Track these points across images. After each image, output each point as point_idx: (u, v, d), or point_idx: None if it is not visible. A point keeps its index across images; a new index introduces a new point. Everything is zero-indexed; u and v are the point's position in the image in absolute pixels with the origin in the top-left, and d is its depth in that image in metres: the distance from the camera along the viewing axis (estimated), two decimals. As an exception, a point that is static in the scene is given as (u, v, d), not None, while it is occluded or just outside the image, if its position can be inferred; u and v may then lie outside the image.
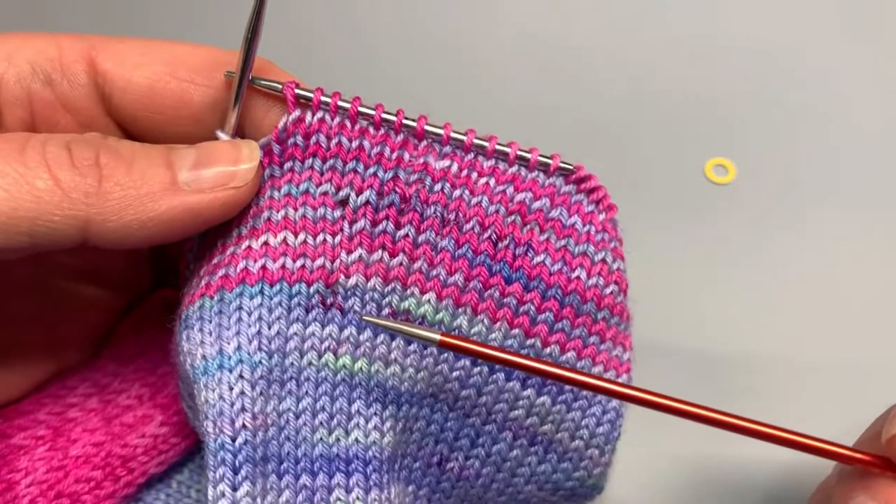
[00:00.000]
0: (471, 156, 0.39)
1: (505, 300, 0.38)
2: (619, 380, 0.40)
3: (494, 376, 0.38)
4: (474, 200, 0.38)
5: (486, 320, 0.38)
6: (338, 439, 0.35)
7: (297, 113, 0.37)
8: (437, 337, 0.35)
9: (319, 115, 0.37)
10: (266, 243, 0.36)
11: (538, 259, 0.38)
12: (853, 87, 0.80)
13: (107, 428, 0.41)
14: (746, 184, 0.79)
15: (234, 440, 0.33)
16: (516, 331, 0.38)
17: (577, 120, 0.80)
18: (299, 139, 0.37)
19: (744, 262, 0.76)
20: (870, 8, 0.80)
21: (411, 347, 0.37)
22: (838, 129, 0.80)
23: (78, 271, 0.43)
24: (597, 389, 0.34)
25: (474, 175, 0.38)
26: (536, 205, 0.39)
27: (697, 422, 0.33)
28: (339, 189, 0.37)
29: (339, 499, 0.34)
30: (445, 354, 0.38)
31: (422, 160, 0.38)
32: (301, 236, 0.36)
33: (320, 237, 0.37)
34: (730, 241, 0.77)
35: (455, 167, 0.38)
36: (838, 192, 0.78)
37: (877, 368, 0.68)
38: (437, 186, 0.38)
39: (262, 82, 0.37)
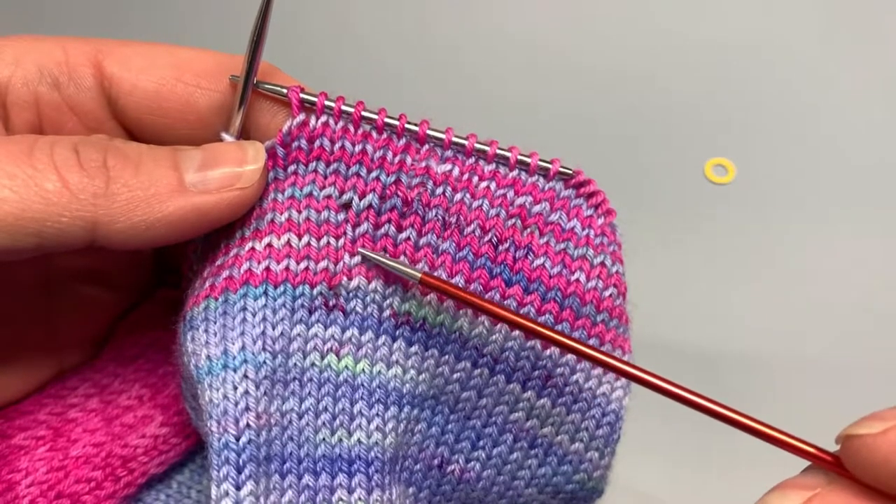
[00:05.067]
0: (472, 160, 0.39)
1: (505, 302, 0.38)
2: (617, 384, 0.40)
3: (495, 378, 0.38)
4: (475, 204, 0.38)
5: (486, 322, 0.38)
6: (340, 440, 0.36)
7: (301, 117, 0.37)
8: (419, 274, 0.36)
9: (323, 119, 0.37)
10: (270, 245, 0.36)
11: (538, 262, 0.39)
12: (853, 88, 0.80)
13: (107, 428, 0.41)
14: (746, 184, 0.79)
15: (238, 439, 0.33)
16: (517, 332, 0.38)
17: (577, 121, 0.81)
18: (303, 143, 0.37)
19: (743, 261, 0.77)
20: (869, 9, 0.81)
21: (413, 349, 0.37)
22: (838, 129, 0.80)
23: (79, 272, 0.43)
24: (579, 353, 0.34)
25: (475, 179, 0.39)
26: (536, 208, 0.39)
27: (667, 396, 0.32)
28: (342, 192, 0.38)
29: (342, 499, 0.35)
30: (447, 356, 0.38)
31: (424, 164, 0.38)
32: (304, 238, 0.37)
33: (323, 240, 0.37)
34: (729, 241, 0.78)
35: (456, 171, 0.38)
36: (838, 191, 0.78)
37: (876, 368, 0.68)
38: (439, 190, 0.38)
39: (267, 86, 0.37)
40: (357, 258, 0.37)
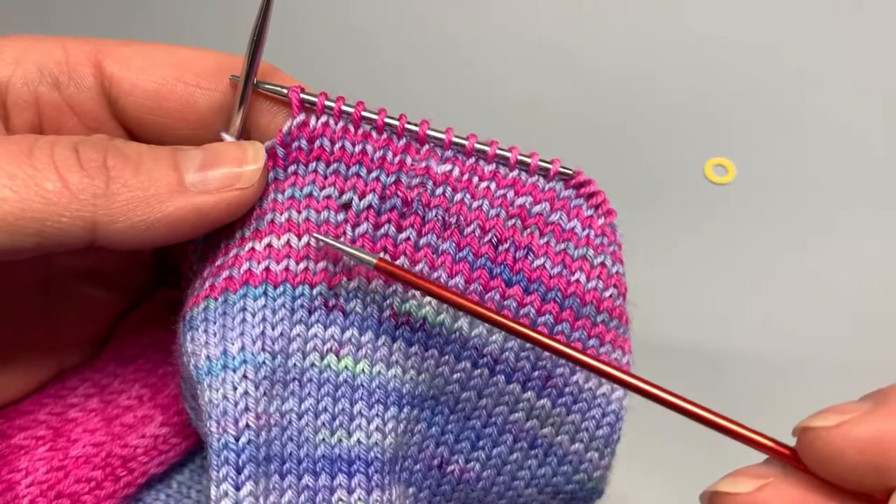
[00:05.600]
0: (472, 160, 0.39)
1: (505, 303, 0.38)
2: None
3: (495, 378, 0.38)
4: (475, 204, 0.38)
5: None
6: (340, 440, 0.36)
7: (301, 117, 0.37)
8: (374, 260, 0.35)
9: (323, 119, 0.37)
10: (269, 245, 0.36)
11: (538, 262, 0.38)
12: (852, 88, 0.80)
13: (107, 428, 0.41)
14: (746, 184, 0.79)
15: (237, 440, 0.33)
16: (517, 333, 0.38)
17: (577, 121, 0.81)
18: (303, 143, 0.37)
19: (743, 261, 0.77)
20: (868, 9, 0.81)
21: (413, 349, 0.37)
22: (838, 129, 0.80)
23: (79, 271, 0.43)
24: (540, 345, 0.34)
25: (475, 179, 0.39)
26: (536, 209, 0.39)
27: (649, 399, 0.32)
28: (342, 193, 0.38)
29: (341, 499, 0.35)
30: (447, 356, 0.38)
31: (424, 164, 0.38)
32: (304, 239, 0.37)
33: None
34: (730, 241, 0.78)
35: (456, 171, 0.38)
36: (838, 191, 0.78)
37: (876, 367, 0.68)
38: (439, 190, 0.38)
39: (267, 86, 0.37)
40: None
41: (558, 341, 0.34)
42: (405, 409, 0.37)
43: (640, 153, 0.80)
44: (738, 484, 0.29)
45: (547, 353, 0.38)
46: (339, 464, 0.35)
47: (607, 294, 0.39)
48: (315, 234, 0.36)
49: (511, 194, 0.39)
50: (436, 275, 0.38)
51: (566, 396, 0.39)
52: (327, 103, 0.37)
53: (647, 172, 0.80)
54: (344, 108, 0.38)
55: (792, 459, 0.29)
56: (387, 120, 0.38)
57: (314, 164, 0.37)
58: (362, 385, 0.36)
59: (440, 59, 0.83)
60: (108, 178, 0.32)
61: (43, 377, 0.43)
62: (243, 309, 0.35)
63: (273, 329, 0.35)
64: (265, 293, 0.36)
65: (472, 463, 0.40)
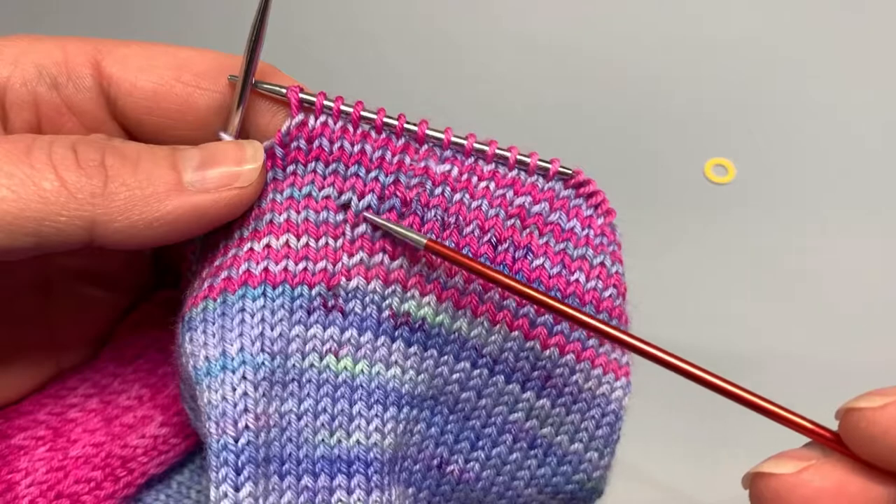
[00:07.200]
0: (471, 160, 0.39)
1: (504, 302, 0.38)
2: (618, 384, 0.40)
3: (494, 378, 0.38)
4: (474, 204, 0.38)
5: (485, 322, 0.38)
6: (339, 441, 0.36)
7: (300, 117, 0.37)
8: (424, 240, 0.35)
9: (322, 119, 0.37)
10: (268, 246, 0.36)
11: (537, 262, 0.38)
12: (852, 88, 0.80)
13: (107, 428, 0.41)
14: (746, 184, 0.79)
15: (236, 441, 0.33)
16: (516, 333, 0.38)
17: (577, 121, 0.81)
18: (302, 143, 0.37)
19: (743, 261, 0.77)
20: (868, 9, 0.81)
21: (412, 350, 0.37)
22: (837, 129, 0.80)
23: (79, 272, 0.43)
24: (587, 327, 0.34)
25: (474, 179, 0.39)
26: (536, 209, 0.39)
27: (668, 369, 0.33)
28: (341, 193, 0.38)
29: (341, 500, 0.35)
30: (446, 356, 0.38)
31: (422, 164, 0.38)
32: (303, 239, 0.37)
33: (322, 240, 0.37)
34: (729, 241, 0.78)
35: (455, 171, 0.38)
36: (838, 191, 0.78)
37: (876, 367, 0.68)
38: (438, 190, 0.38)
39: (266, 86, 0.37)
40: (356, 258, 0.37)
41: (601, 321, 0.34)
42: (404, 410, 0.37)
43: (640, 153, 0.80)
44: (781, 465, 0.30)
45: (546, 353, 0.38)
46: (338, 464, 0.35)
47: (607, 294, 0.39)
48: (365, 214, 0.37)
49: (510, 194, 0.39)
50: (435, 275, 0.38)
51: (565, 396, 0.39)
52: (326, 103, 0.37)
53: (647, 172, 0.80)
54: (343, 107, 0.37)
55: (833, 442, 0.30)
56: (385, 119, 0.38)
57: (313, 164, 0.37)
58: (361, 385, 0.36)
59: (439, 59, 0.84)
60: (107, 177, 0.32)
61: (43, 377, 0.43)
62: (242, 310, 0.35)
63: (272, 330, 0.35)
64: (264, 294, 0.35)
65: (471, 463, 0.40)
